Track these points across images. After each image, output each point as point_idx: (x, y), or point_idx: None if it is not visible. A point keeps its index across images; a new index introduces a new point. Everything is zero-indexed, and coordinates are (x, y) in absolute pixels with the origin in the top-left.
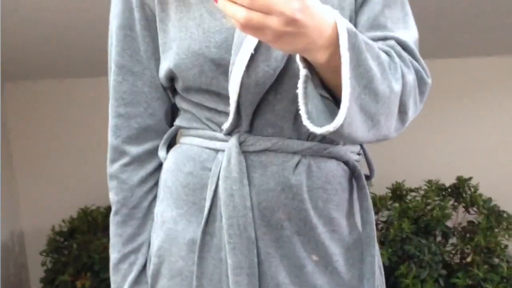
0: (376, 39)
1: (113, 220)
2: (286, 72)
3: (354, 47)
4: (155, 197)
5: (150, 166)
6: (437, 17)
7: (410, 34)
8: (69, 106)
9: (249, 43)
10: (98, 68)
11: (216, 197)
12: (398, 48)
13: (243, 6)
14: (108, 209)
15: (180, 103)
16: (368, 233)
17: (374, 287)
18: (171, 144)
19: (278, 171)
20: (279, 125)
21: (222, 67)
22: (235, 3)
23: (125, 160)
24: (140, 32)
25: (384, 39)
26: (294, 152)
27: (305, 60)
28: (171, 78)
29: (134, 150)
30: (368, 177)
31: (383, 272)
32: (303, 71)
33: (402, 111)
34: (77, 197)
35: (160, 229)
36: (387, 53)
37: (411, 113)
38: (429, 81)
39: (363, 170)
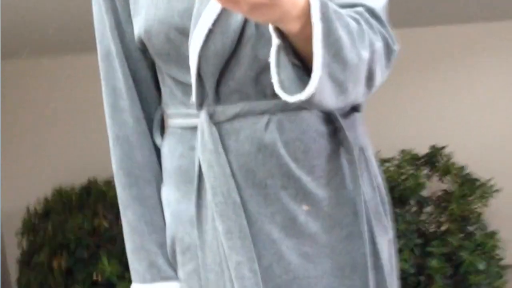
0: (345, 6)
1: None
2: (242, 39)
3: (325, 17)
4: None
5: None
6: None
7: (378, 0)
8: (49, 85)
9: (207, 14)
10: (82, 44)
11: (201, 171)
12: (367, 15)
13: None
14: (83, 188)
15: (159, 79)
16: (352, 171)
17: (368, 223)
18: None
19: (251, 134)
20: (243, 91)
21: (186, 35)
22: None
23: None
24: (104, 4)
25: (353, 5)
26: (263, 112)
27: (277, 30)
28: (143, 44)
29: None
30: (356, 109)
31: (384, 205)
32: (275, 41)
33: (370, 78)
34: (52, 177)
35: (167, 212)
36: (355, 20)
37: (378, 80)
38: (396, 47)
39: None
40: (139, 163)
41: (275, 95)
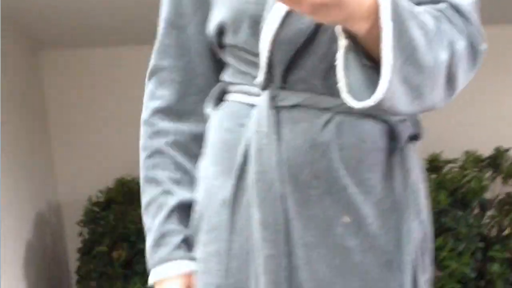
0: (426, 2)
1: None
2: (318, 29)
3: (396, 17)
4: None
5: (186, 121)
6: None
7: None
8: (108, 74)
9: None
10: (138, 36)
11: (248, 152)
12: (450, 12)
13: None
14: None
15: (225, 57)
16: (407, 197)
17: (411, 254)
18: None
19: (307, 128)
20: (310, 82)
21: (261, 24)
22: None
23: (162, 107)
24: None
25: (435, 2)
26: (325, 109)
27: (346, 30)
28: (219, 32)
29: (173, 101)
30: (415, 137)
31: (430, 238)
32: (343, 42)
33: (450, 80)
34: (114, 168)
35: (201, 186)
36: (435, 18)
37: (461, 82)
38: (483, 47)
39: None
40: None
41: None
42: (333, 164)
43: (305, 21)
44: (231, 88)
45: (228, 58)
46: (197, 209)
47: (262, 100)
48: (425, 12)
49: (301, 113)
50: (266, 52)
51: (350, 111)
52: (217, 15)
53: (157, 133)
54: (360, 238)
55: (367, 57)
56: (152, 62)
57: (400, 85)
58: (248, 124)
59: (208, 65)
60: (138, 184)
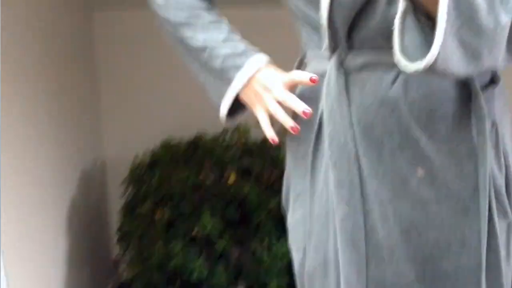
0: None
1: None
2: None
3: None
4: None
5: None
6: None
7: None
8: (158, 36)
9: None
10: None
11: (322, 117)
12: None
13: None
14: (190, 142)
15: (300, 26)
16: (482, 144)
17: (486, 199)
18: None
19: (375, 87)
20: (375, 40)
21: None
22: None
23: None
24: None
25: None
26: (392, 66)
27: None
28: None
29: None
30: (492, 81)
31: (510, 185)
32: (403, 3)
33: None
34: (160, 129)
35: (288, 155)
36: None
37: None
38: None
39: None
40: None
41: None
42: (404, 119)
43: None
44: (307, 54)
45: (300, 25)
46: (286, 180)
47: (331, 66)
48: None
49: (369, 72)
50: (326, 14)
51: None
52: None
53: None
54: (435, 189)
55: (428, 19)
56: None
57: (456, 47)
58: (322, 90)
59: None
60: (183, 146)
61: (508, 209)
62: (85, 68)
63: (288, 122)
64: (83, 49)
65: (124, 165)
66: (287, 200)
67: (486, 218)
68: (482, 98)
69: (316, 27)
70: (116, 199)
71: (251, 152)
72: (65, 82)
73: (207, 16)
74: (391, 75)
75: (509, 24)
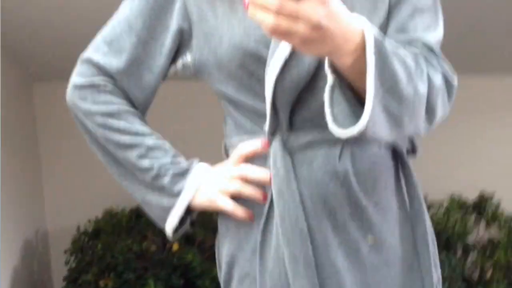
0: (405, 42)
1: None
2: (319, 70)
3: (380, 52)
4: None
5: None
6: (471, 32)
7: (436, 35)
8: None
9: (284, 43)
10: None
11: (272, 197)
12: (425, 50)
13: (271, 13)
14: (133, 211)
15: (226, 112)
16: (416, 207)
17: (428, 258)
18: None
19: (324, 162)
20: (316, 120)
21: (262, 61)
22: (264, 10)
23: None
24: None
25: (413, 42)
26: (335, 142)
27: (332, 66)
28: (203, 70)
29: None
30: (413, 151)
31: (435, 243)
32: (330, 77)
33: (430, 112)
34: (103, 198)
35: (226, 237)
36: (415, 55)
37: (439, 114)
38: (455, 82)
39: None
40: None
41: None
42: (353, 191)
43: (306, 63)
44: (233, 143)
45: (229, 110)
46: (227, 260)
47: (274, 147)
48: (406, 50)
49: (314, 150)
50: (270, 96)
51: (357, 140)
52: (210, 50)
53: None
54: (383, 253)
55: (351, 89)
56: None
57: (381, 115)
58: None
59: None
60: (126, 215)
61: (437, 263)
62: (26, 138)
63: (257, 194)
64: (23, 119)
65: (67, 234)
66: (229, 280)
67: (427, 273)
68: (411, 166)
69: (249, 111)
70: (59, 268)
71: (193, 221)
72: (5, 154)
73: (148, 139)
74: (336, 150)
75: (426, 94)
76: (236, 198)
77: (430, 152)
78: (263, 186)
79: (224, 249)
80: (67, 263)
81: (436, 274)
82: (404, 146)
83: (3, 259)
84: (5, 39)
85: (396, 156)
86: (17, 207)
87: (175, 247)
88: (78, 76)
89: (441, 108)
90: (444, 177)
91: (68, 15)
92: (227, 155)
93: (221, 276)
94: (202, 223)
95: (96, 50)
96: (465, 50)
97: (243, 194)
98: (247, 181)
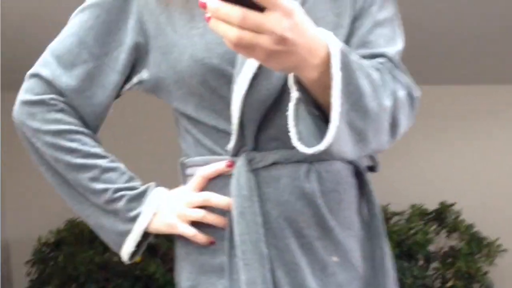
0: (368, 56)
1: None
2: (286, 87)
3: (346, 67)
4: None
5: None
6: (430, 44)
7: (396, 48)
8: None
9: (252, 61)
10: None
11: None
12: (389, 64)
13: (234, 25)
14: None
15: (184, 130)
16: (376, 225)
17: (386, 277)
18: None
19: (290, 182)
20: (282, 139)
21: (225, 78)
22: (227, 22)
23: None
24: (123, 39)
25: (376, 56)
26: (301, 161)
27: (297, 82)
28: (161, 86)
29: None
30: (372, 169)
31: (393, 264)
32: (295, 94)
33: (394, 126)
34: (64, 208)
35: (186, 262)
36: (379, 69)
37: (403, 128)
38: (418, 95)
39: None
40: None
41: None
42: (320, 211)
43: (274, 80)
44: (193, 162)
45: (188, 128)
46: (187, 285)
47: (238, 166)
48: (369, 64)
49: (280, 170)
50: (238, 114)
51: (322, 159)
52: (169, 65)
53: None
54: (347, 271)
55: (316, 105)
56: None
57: (346, 129)
58: (229, 192)
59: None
60: (88, 225)
61: (396, 279)
62: None
63: (219, 221)
64: None
65: (28, 245)
66: None
67: None
68: (370, 184)
69: (211, 128)
70: (20, 279)
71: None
72: None
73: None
74: (303, 170)
75: (390, 107)
76: (196, 223)
77: (391, 162)
78: (219, 211)
79: (184, 273)
80: (28, 274)
81: None
82: (364, 163)
83: None
84: None
85: (358, 173)
86: None
87: (138, 258)
88: (26, 92)
89: (405, 121)
90: (405, 187)
91: (40, 23)
92: (184, 173)
93: None
94: (166, 235)
95: (45, 65)
96: (423, 61)
97: (205, 221)
98: (208, 207)
